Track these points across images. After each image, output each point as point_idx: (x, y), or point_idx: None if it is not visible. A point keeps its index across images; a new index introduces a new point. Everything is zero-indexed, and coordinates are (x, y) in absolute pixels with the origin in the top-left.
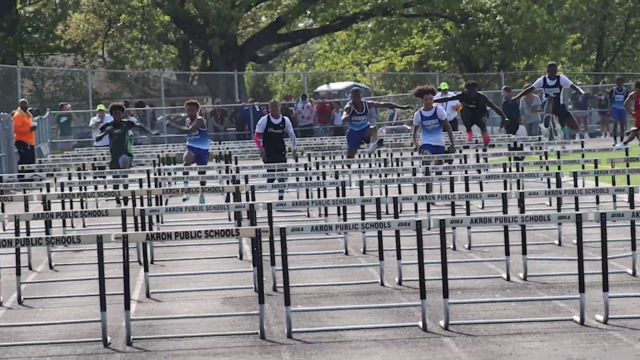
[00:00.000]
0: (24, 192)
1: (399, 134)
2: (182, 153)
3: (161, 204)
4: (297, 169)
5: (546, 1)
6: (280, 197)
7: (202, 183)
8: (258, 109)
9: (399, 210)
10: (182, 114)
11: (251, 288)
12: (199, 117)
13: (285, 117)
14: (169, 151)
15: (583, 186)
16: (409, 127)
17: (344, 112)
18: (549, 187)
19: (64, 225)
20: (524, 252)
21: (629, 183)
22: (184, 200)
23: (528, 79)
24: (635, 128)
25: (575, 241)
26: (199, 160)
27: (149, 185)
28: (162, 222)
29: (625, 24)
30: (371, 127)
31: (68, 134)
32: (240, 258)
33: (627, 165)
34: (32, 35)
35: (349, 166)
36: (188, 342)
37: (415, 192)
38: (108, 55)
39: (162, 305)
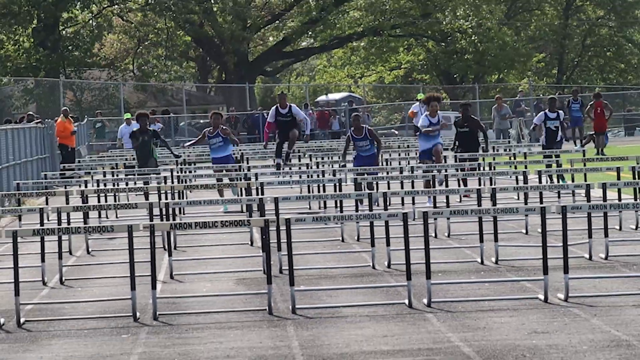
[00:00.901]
0: (65, 188)
1: (387, 138)
2: (201, 155)
3: (183, 198)
4: (300, 168)
5: (514, 23)
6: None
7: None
8: (266, 116)
9: (388, 204)
10: (201, 121)
11: (260, 270)
12: (224, 127)
13: (292, 105)
14: (190, 153)
15: (546, 183)
16: (397, 132)
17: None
18: (517, 183)
19: (100, 216)
20: (496, 240)
21: (585, 180)
22: (225, 211)
23: (499, 91)
24: (592, 133)
25: (539, 230)
26: (226, 163)
27: (173, 182)
28: (183, 214)
29: (582, 43)
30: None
31: (102, 138)
32: (251, 244)
33: (584, 165)
34: (72, 52)
35: (344, 165)
36: (206, 317)
37: (402, 187)
38: (137, 70)
39: (183, 286)
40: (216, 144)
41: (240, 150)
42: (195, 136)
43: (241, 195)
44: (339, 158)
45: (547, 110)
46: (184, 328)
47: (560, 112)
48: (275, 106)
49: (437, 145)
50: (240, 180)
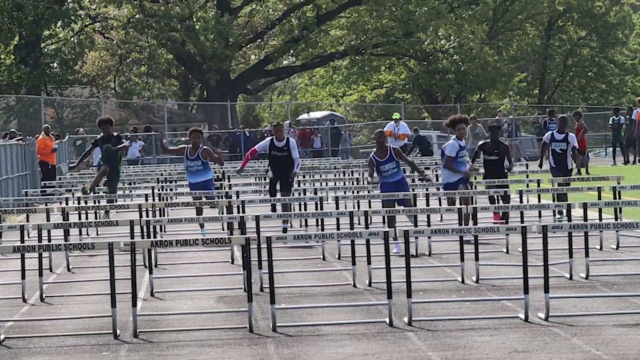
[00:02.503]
0: (46, 205)
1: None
2: (183, 172)
3: (164, 216)
4: None
5: (496, 43)
6: (284, 230)
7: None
8: (248, 134)
9: (369, 222)
10: (182, 138)
11: (241, 288)
12: (205, 147)
13: (291, 139)
14: (172, 170)
15: (527, 202)
16: None
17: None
18: (498, 202)
19: (80, 234)
20: (477, 259)
21: (566, 200)
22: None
23: (480, 111)
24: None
25: (520, 249)
26: (205, 191)
27: (154, 199)
28: (164, 231)
29: (564, 63)
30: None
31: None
32: (232, 262)
33: (568, 185)
34: (54, 69)
35: (326, 184)
36: (186, 334)
37: (383, 206)
38: (119, 87)
39: (164, 303)
40: (194, 167)
41: (221, 168)
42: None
43: (222, 213)
44: (368, 180)
45: (555, 131)
46: (164, 345)
47: (571, 135)
48: (270, 138)
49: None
50: (222, 198)
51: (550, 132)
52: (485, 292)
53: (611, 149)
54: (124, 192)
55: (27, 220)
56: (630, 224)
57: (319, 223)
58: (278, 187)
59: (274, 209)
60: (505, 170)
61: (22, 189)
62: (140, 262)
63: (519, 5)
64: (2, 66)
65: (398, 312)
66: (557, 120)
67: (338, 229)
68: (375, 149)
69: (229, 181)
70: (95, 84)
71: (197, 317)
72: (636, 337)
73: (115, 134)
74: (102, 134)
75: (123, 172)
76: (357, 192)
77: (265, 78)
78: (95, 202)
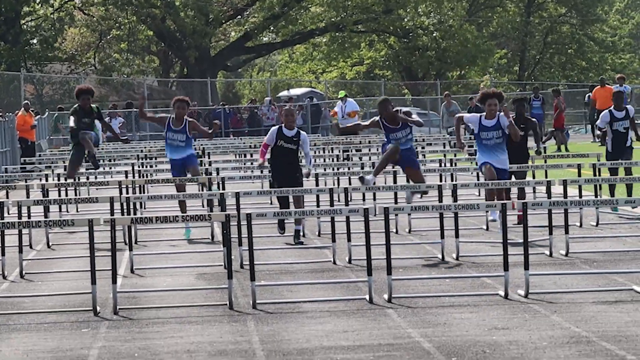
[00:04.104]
0: (26, 182)
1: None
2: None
3: (144, 193)
4: None
5: (476, 20)
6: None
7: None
8: (228, 111)
9: (349, 199)
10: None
11: (221, 265)
12: (190, 119)
13: (302, 132)
14: (152, 147)
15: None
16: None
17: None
18: (478, 180)
19: (60, 210)
20: (457, 236)
21: (546, 177)
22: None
23: (461, 87)
24: (553, 129)
25: (500, 226)
26: (189, 166)
27: (134, 176)
28: (144, 208)
29: (544, 40)
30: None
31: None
32: (212, 239)
33: (545, 162)
34: (33, 46)
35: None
36: (166, 311)
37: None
38: (99, 64)
39: (144, 280)
40: (176, 141)
41: (201, 145)
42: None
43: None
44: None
45: (612, 108)
46: (144, 322)
47: (630, 108)
48: (277, 126)
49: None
50: (202, 174)
51: (607, 112)
52: (465, 269)
53: (590, 126)
54: (103, 168)
55: (7, 197)
56: (609, 200)
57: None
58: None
59: (282, 226)
60: (534, 154)
61: (1, 165)
62: (120, 239)
63: None
64: None
65: (378, 289)
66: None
67: (318, 206)
68: (383, 117)
69: (208, 158)
70: (75, 60)
71: (177, 294)
72: (615, 314)
73: (95, 106)
74: (80, 104)
75: (101, 148)
76: (337, 169)
77: (245, 55)
78: (74, 179)
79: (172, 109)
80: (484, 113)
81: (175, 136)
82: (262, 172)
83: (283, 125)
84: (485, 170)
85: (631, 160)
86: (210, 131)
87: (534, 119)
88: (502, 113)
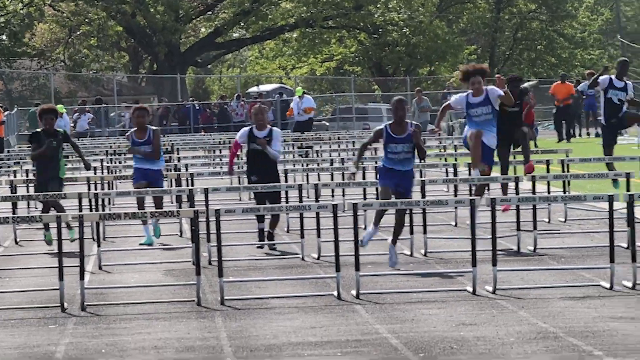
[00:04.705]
0: None
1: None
2: None
3: (112, 189)
4: None
5: (446, 16)
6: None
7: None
8: (198, 107)
9: (318, 195)
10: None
11: (189, 262)
12: (154, 127)
13: (274, 128)
14: (120, 143)
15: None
16: (327, 124)
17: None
18: (447, 176)
19: (29, 207)
20: (425, 232)
21: (515, 173)
22: (149, 244)
23: (430, 83)
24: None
25: (468, 222)
26: (153, 185)
27: (102, 172)
28: (113, 204)
29: (513, 36)
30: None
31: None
32: (180, 235)
33: (514, 158)
34: (2, 42)
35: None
36: (134, 307)
37: (332, 179)
38: (68, 59)
39: (112, 276)
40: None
41: (170, 141)
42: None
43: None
44: (355, 160)
45: (614, 76)
46: (111, 319)
47: (629, 84)
48: (248, 128)
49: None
50: (170, 171)
51: (607, 77)
52: (434, 265)
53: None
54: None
55: None
56: (578, 196)
57: None
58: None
59: (261, 220)
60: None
61: None
62: (89, 235)
63: None
64: None
65: (346, 285)
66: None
67: (287, 201)
68: (392, 123)
69: (178, 154)
70: (44, 56)
71: (145, 290)
72: (583, 309)
73: (61, 130)
74: (44, 126)
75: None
76: (306, 165)
77: (215, 51)
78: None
79: (132, 118)
80: (471, 91)
81: (142, 148)
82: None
83: (254, 126)
84: (472, 135)
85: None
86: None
87: (528, 92)
88: (492, 87)
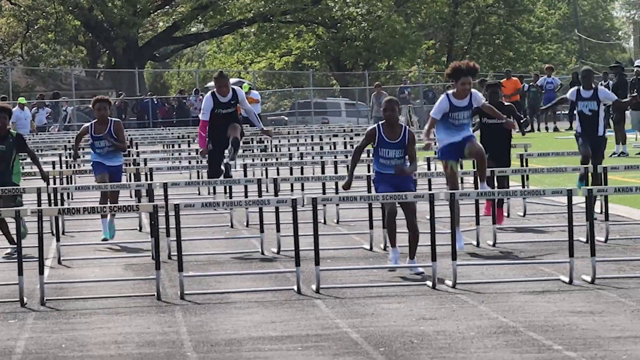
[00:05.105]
0: None
1: (277, 125)
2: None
3: (71, 183)
4: (189, 154)
5: (404, 10)
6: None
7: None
8: (156, 102)
9: (277, 190)
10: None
11: (149, 256)
12: (115, 119)
13: (237, 89)
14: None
15: (435, 170)
16: (286, 118)
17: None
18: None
19: None
20: (384, 226)
21: (474, 168)
22: (104, 240)
23: (389, 78)
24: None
25: (428, 217)
26: (112, 179)
27: (61, 167)
28: (72, 199)
29: (472, 31)
30: None
31: None
32: (140, 230)
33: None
34: None
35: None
36: (94, 302)
37: (291, 174)
38: (26, 54)
39: (71, 271)
40: (104, 148)
41: (129, 135)
42: (85, 121)
43: (130, 180)
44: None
45: (581, 87)
46: (71, 313)
47: (600, 89)
48: (210, 93)
49: (473, 140)
50: (129, 165)
51: (575, 89)
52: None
53: None
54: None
55: None
56: (536, 191)
57: (227, 190)
58: (226, 156)
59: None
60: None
61: None
62: (48, 229)
63: None
64: None
65: (306, 279)
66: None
67: (246, 196)
68: (383, 123)
69: (136, 148)
70: (1, 50)
71: (104, 285)
72: (542, 304)
73: (14, 131)
74: None
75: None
76: (266, 160)
77: (173, 45)
78: None
79: (93, 111)
80: (453, 91)
81: (102, 143)
82: (190, 162)
83: (216, 92)
84: (448, 174)
85: (602, 161)
86: (124, 145)
87: (509, 103)
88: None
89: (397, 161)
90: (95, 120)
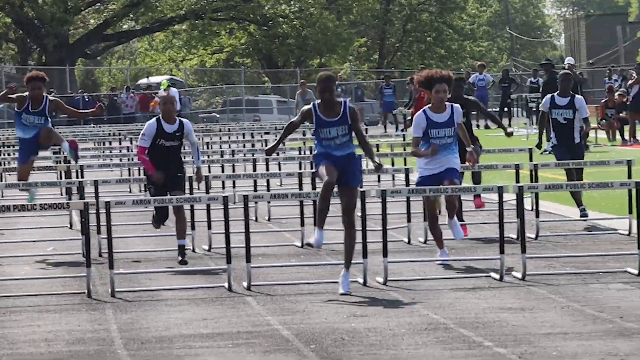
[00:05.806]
0: None
1: (209, 123)
2: None
3: (1, 181)
4: (120, 151)
5: (336, 8)
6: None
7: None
8: (87, 99)
9: (209, 187)
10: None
11: (80, 254)
12: (53, 98)
13: (185, 121)
14: (9, 134)
15: (367, 167)
16: (218, 116)
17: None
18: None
19: None
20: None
21: (405, 164)
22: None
23: None
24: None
25: (360, 214)
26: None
27: None
28: (2, 196)
29: (403, 28)
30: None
31: None
32: (70, 227)
33: (404, 149)
34: None
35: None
36: (24, 300)
37: (222, 171)
38: None
39: (1, 268)
40: (32, 123)
41: (60, 132)
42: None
43: (61, 178)
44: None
45: (556, 93)
46: (1, 311)
47: (578, 98)
48: (154, 119)
49: (454, 180)
50: (60, 162)
51: (549, 96)
52: (325, 256)
53: None
54: None
55: None
56: (468, 187)
57: None
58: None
59: (159, 222)
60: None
61: None
62: None
63: None
64: None
65: (237, 277)
66: (393, 86)
67: None
68: (319, 102)
69: None
70: None
71: (34, 282)
72: (473, 300)
73: None
74: None
75: None
76: None
77: (105, 42)
78: None
79: (27, 88)
80: (429, 105)
81: (32, 118)
82: (121, 160)
83: (161, 117)
84: (426, 203)
85: (581, 161)
86: (86, 111)
87: (473, 98)
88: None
89: (342, 139)
90: (30, 100)
